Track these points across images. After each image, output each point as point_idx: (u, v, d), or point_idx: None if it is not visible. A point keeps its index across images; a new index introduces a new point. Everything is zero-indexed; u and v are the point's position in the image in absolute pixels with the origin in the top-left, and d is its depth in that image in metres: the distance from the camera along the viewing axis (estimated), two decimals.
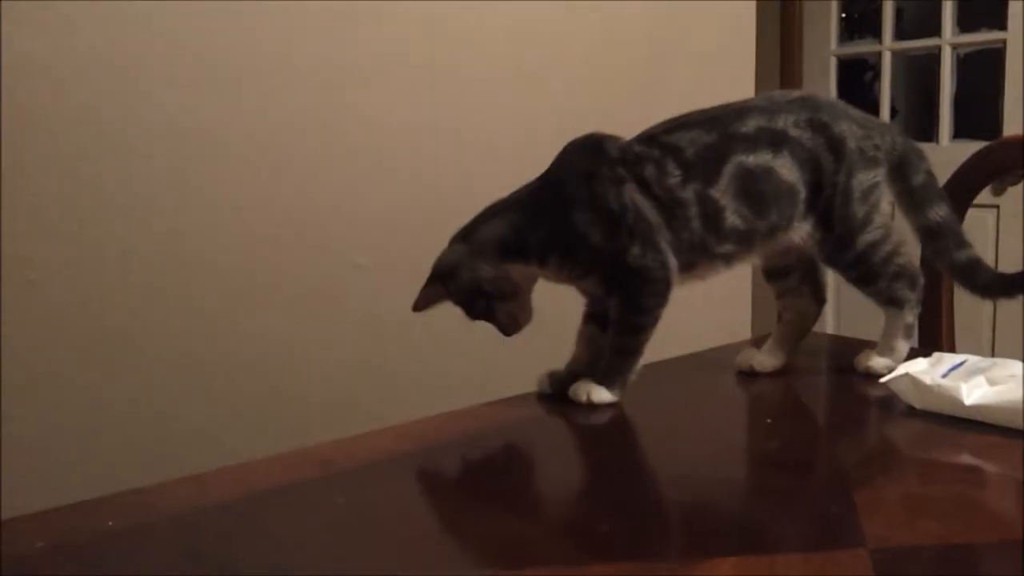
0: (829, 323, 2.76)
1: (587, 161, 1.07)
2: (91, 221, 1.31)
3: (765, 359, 1.17)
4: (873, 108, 3.20)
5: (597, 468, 0.95)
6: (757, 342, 1.21)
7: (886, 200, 1.13)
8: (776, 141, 1.07)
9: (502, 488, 0.88)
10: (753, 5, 2.07)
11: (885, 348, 1.14)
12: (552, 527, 0.79)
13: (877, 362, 1.13)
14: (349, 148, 1.49)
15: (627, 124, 1.11)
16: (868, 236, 1.10)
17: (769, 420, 1.11)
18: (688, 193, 1.05)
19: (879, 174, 1.11)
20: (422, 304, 1.09)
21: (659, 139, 1.08)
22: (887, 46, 3.27)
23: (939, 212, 1.14)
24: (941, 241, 1.15)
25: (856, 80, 3.66)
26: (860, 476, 0.87)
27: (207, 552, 0.73)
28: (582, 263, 1.06)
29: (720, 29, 1.98)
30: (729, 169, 1.06)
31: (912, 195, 1.14)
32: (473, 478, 0.93)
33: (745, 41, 2.02)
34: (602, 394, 1.05)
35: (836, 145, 1.09)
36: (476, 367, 1.39)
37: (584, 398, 1.04)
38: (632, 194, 1.05)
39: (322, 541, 0.74)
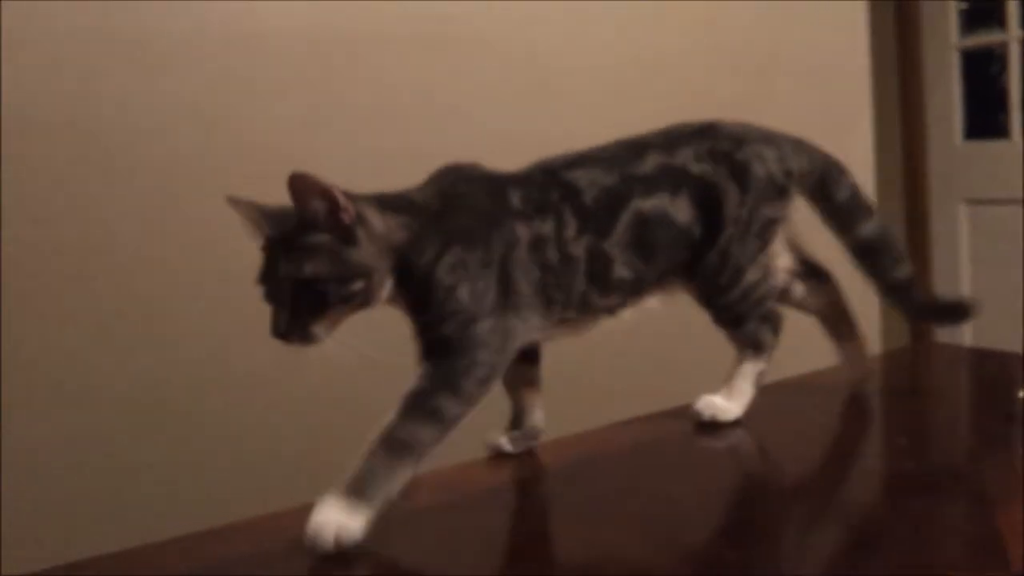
0: (967, 334, 2.63)
1: (491, 202, 0.94)
2: (91, 221, 1.31)
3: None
4: (1001, 103, 3.06)
5: (725, 492, 0.94)
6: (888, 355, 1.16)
7: (780, 237, 1.06)
8: (675, 182, 1.00)
9: (629, 510, 0.88)
10: (864, 4, 2.01)
11: (733, 391, 1.07)
12: (679, 552, 0.79)
13: (721, 406, 1.07)
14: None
15: None
16: (751, 276, 1.04)
17: (903, 439, 1.07)
18: (579, 249, 0.96)
19: (784, 209, 1.05)
20: (303, 188, 0.84)
21: (559, 175, 0.98)
22: (1013, 35, 3.12)
23: (869, 227, 1.08)
24: (877, 258, 1.09)
25: (982, 74, 3.50)
26: (1002, 497, 0.84)
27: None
28: (432, 314, 0.90)
29: (830, 29, 1.91)
30: (625, 218, 0.98)
31: (839, 213, 1.08)
32: (599, 501, 0.92)
33: (857, 41, 1.95)
34: (352, 529, 0.80)
35: (740, 173, 1.02)
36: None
37: (332, 542, 0.79)
38: (517, 260, 0.93)
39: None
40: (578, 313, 0.98)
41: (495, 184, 0.96)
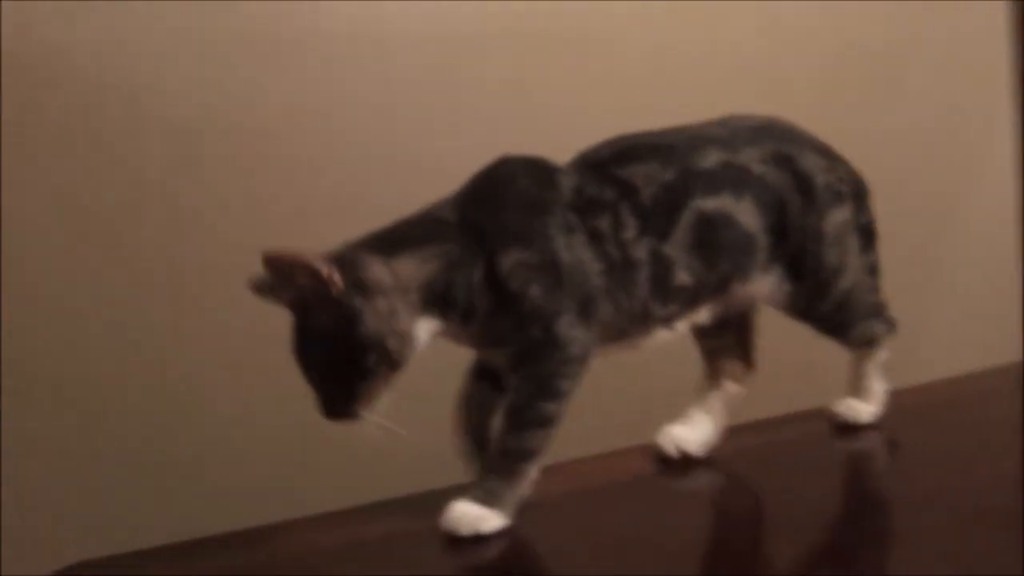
0: None
1: (537, 193, 0.90)
2: (91, 221, 1.27)
3: (691, 435, 0.98)
4: None
5: (863, 497, 0.92)
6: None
7: (855, 237, 0.99)
8: (739, 181, 0.93)
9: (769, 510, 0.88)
10: (1004, 4, 1.81)
11: (864, 392, 1.02)
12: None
13: (857, 408, 1.01)
14: None
15: (865, 132, 1.02)
16: (844, 283, 0.97)
17: None
18: (642, 251, 0.89)
19: (846, 210, 0.97)
20: (280, 269, 0.79)
21: (612, 173, 0.92)
22: None
23: (870, 258, 1.01)
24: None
25: None
26: None
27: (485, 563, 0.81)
28: (510, 324, 0.86)
29: (968, 29, 1.74)
30: (686, 218, 0.91)
31: (857, 237, 1.01)
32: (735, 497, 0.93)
33: (995, 42, 1.78)
34: (490, 520, 0.83)
35: (804, 183, 0.95)
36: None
37: (466, 530, 0.83)
38: (581, 249, 0.88)
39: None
40: (638, 324, 0.91)
41: (542, 172, 0.91)
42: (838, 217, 0.96)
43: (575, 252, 0.87)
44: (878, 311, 1.01)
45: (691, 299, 0.92)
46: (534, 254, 0.86)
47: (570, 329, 0.86)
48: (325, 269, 0.78)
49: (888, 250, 1.01)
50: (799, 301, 0.96)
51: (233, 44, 1.32)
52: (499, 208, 0.88)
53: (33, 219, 1.26)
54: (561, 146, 0.96)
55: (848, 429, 0.99)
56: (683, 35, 1.54)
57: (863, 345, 1.00)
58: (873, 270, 1.01)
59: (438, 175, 0.87)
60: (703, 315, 0.94)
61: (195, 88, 1.30)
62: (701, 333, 0.98)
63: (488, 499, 0.83)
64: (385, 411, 0.82)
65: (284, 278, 0.79)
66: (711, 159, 0.92)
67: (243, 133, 1.33)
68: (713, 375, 0.99)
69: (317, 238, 0.85)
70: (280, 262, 0.78)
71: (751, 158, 0.93)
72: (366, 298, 0.81)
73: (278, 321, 1.17)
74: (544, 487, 0.86)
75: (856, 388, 1.01)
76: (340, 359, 0.81)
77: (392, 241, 0.84)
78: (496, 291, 0.85)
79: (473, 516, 0.82)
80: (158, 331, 1.30)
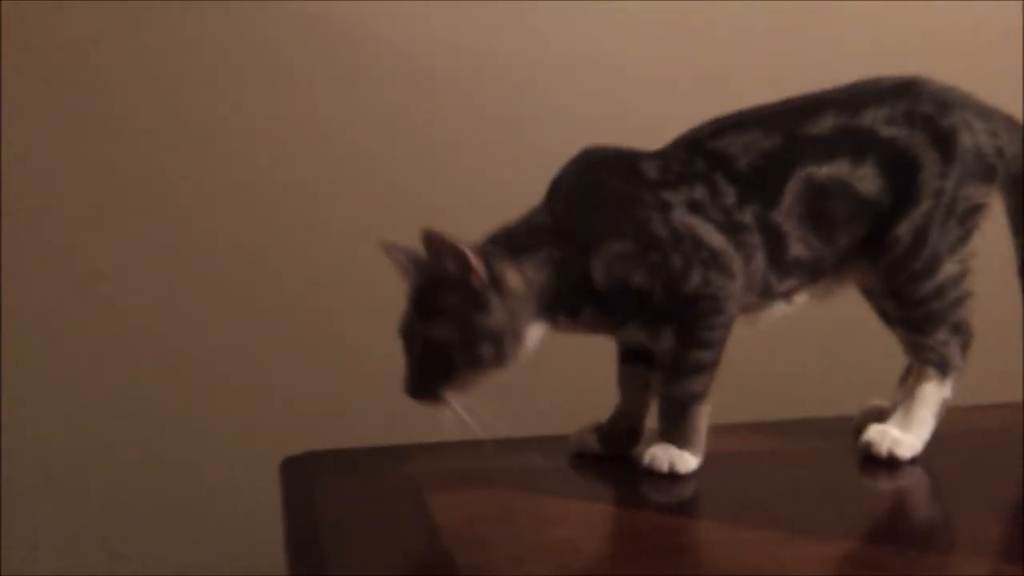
0: None
1: (621, 182, 0.88)
2: (91, 222, 1.30)
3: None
4: None
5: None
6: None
7: (981, 230, 0.90)
8: (859, 146, 0.86)
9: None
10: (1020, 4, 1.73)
11: (913, 420, 0.90)
12: None
13: (899, 439, 0.90)
14: None
15: None
16: (950, 267, 0.88)
17: None
18: (747, 217, 0.86)
19: (988, 193, 0.88)
20: (435, 248, 0.82)
21: (704, 145, 0.88)
22: None
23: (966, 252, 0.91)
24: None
25: None
26: None
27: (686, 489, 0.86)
28: (621, 310, 0.87)
29: (984, 31, 1.65)
30: (793, 186, 0.86)
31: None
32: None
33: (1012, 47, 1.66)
34: (687, 460, 0.87)
35: (946, 141, 0.86)
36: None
37: (665, 467, 0.87)
38: (683, 217, 0.86)
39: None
40: (759, 297, 0.89)
41: (623, 162, 0.89)
42: (976, 193, 0.87)
43: (676, 223, 0.85)
44: (964, 333, 0.91)
45: (811, 273, 0.88)
46: (629, 244, 0.85)
47: (699, 288, 0.85)
48: (475, 261, 0.82)
49: None
50: (902, 275, 0.87)
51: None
52: (587, 208, 0.87)
53: (33, 219, 1.27)
54: None
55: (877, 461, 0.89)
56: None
57: (934, 364, 0.90)
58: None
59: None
60: (825, 289, 0.91)
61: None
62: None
63: (679, 441, 0.87)
64: (468, 407, 0.83)
65: (435, 256, 0.82)
66: (825, 123, 0.86)
67: (252, 136, 1.32)
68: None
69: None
70: (437, 242, 0.82)
71: (876, 119, 0.86)
72: (501, 296, 0.84)
73: (285, 320, 1.26)
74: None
75: (906, 414, 0.91)
76: (454, 342, 0.83)
77: (512, 247, 0.86)
78: (599, 288, 0.86)
79: (670, 456, 0.86)
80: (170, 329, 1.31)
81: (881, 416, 0.94)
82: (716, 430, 0.90)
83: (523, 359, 0.86)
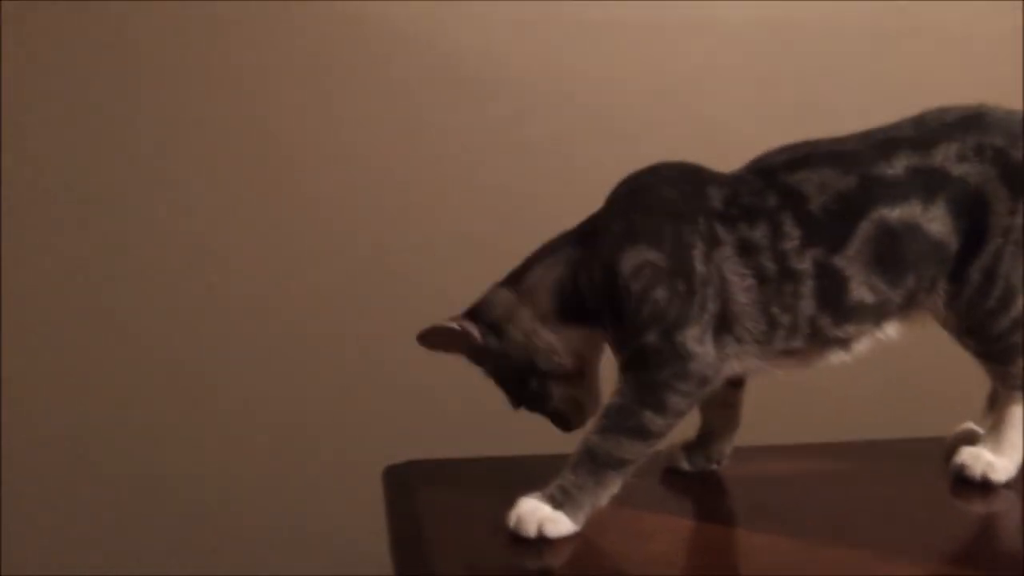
0: None
1: (680, 198, 0.86)
2: (90, 222, 1.31)
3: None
4: None
5: None
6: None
7: None
8: (931, 186, 0.84)
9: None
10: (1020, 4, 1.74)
11: (1004, 444, 0.89)
12: None
13: (993, 463, 0.89)
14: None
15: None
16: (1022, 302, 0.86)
17: None
18: (804, 263, 0.83)
19: None
20: (435, 341, 0.88)
21: (779, 178, 0.85)
22: None
23: None
24: None
25: None
26: None
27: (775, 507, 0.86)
28: (628, 327, 0.83)
29: (984, 31, 1.65)
30: (864, 229, 0.83)
31: None
32: None
33: (1012, 47, 1.66)
34: (559, 524, 0.79)
35: (1015, 176, 0.84)
36: None
37: (533, 531, 0.79)
38: (723, 262, 0.83)
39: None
40: (806, 342, 0.85)
41: (692, 181, 0.87)
42: None
43: (716, 265, 0.82)
44: None
45: (873, 318, 0.85)
46: (665, 257, 0.82)
47: (696, 344, 0.81)
48: (459, 328, 0.87)
49: None
50: (977, 313, 0.85)
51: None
52: (633, 210, 0.86)
53: (33, 219, 1.29)
54: None
55: (972, 484, 0.89)
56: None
57: (1021, 387, 0.88)
58: None
59: None
60: (890, 333, 0.87)
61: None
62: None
63: (563, 500, 0.79)
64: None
65: (444, 343, 0.88)
66: (899, 164, 0.84)
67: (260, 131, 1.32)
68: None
69: None
70: (431, 335, 0.87)
71: (948, 156, 0.84)
72: (500, 335, 0.87)
73: (283, 319, 1.27)
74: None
75: (997, 437, 0.90)
76: (524, 391, 0.89)
77: (524, 264, 0.90)
78: (619, 291, 0.83)
79: (541, 516, 0.78)
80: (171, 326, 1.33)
81: (973, 439, 0.93)
82: (806, 448, 0.90)
83: (574, 361, 0.88)
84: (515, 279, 0.89)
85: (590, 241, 0.86)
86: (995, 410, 0.91)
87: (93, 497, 1.35)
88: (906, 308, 0.86)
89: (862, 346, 0.87)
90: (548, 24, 1.38)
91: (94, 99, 1.30)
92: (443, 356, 0.89)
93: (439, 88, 1.36)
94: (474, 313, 0.88)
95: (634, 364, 0.82)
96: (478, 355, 0.89)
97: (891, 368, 1.21)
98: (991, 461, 0.89)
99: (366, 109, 1.35)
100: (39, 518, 1.34)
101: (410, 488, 0.93)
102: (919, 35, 1.49)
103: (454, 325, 0.87)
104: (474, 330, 0.87)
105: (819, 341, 0.85)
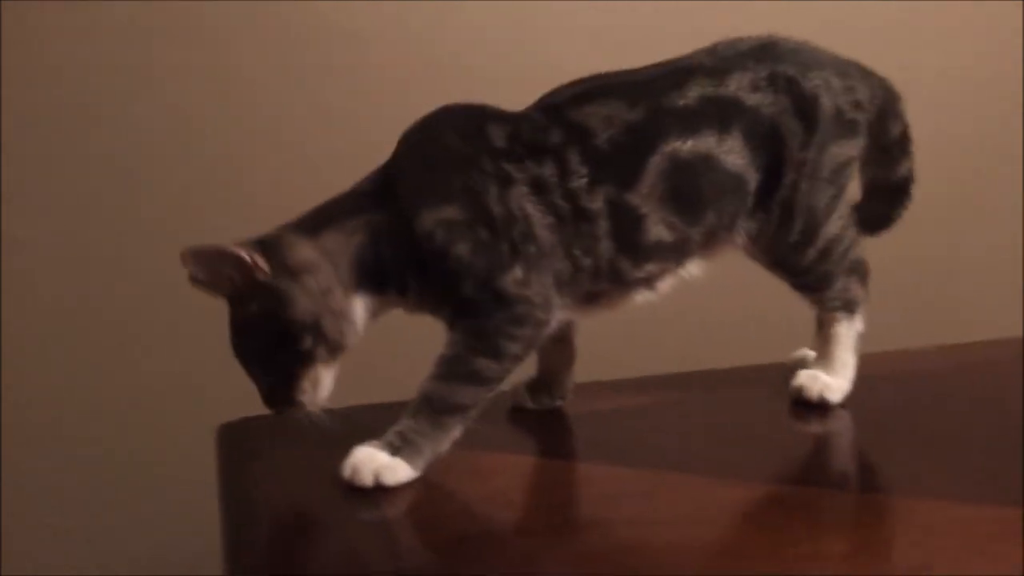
0: None
1: (462, 143, 0.81)
2: (91, 222, 1.30)
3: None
4: None
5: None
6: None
7: (853, 179, 0.89)
8: (725, 116, 0.81)
9: None
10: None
11: (835, 363, 0.91)
12: None
13: (829, 383, 0.91)
14: None
15: None
16: (830, 228, 0.86)
17: None
18: (597, 202, 0.80)
19: (855, 146, 0.87)
20: (206, 265, 0.76)
21: (563, 113, 0.81)
22: None
23: (906, 167, 0.92)
24: (894, 201, 0.93)
25: None
26: None
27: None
28: (442, 286, 0.79)
29: (984, 31, 1.66)
30: (656, 163, 0.80)
31: (887, 150, 0.91)
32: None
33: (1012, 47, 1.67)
34: (396, 471, 0.76)
35: (807, 108, 0.83)
36: None
37: (369, 479, 0.75)
38: (521, 200, 0.79)
39: None
40: (609, 284, 0.83)
41: (470, 123, 0.82)
42: (842, 151, 0.85)
43: (513, 203, 0.79)
44: (860, 270, 0.91)
45: (673, 256, 0.84)
46: (458, 210, 0.78)
47: (518, 287, 0.78)
48: (247, 255, 0.75)
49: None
50: (782, 247, 0.86)
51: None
52: (418, 167, 0.81)
53: (33, 219, 1.27)
54: None
55: (809, 405, 0.90)
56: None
57: (840, 308, 0.90)
58: (906, 181, 0.92)
59: None
60: (692, 270, 0.86)
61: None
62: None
63: (401, 447, 0.76)
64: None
65: (213, 272, 0.76)
66: (691, 94, 0.81)
67: (247, 133, 1.31)
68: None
69: None
70: (203, 256, 0.75)
71: (741, 85, 0.82)
72: (294, 280, 0.77)
73: None
74: None
75: (827, 358, 0.91)
76: (276, 346, 0.76)
77: (317, 220, 0.80)
78: (422, 255, 0.78)
79: (378, 464, 0.75)
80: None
81: (809, 363, 0.95)
82: (647, 380, 0.91)
83: (358, 336, 0.80)
84: (310, 231, 0.79)
85: (385, 203, 0.80)
86: (821, 332, 0.92)
87: (93, 497, 1.32)
88: (707, 245, 0.85)
89: (665, 284, 0.86)
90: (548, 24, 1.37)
91: (94, 99, 1.26)
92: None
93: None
94: (263, 247, 0.77)
95: (461, 315, 0.79)
96: (247, 297, 0.77)
97: (728, 297, 1.24)
98: (827, 382, 0.91)
99: (368, 108, 1.33)
100: (39, 518, 1.31)
101: (245, 447, 0.89)
102: (919, 35, 1.52)
103: (241, 252, 0.75)
104: (263, 264, 0.76)
105: (622, 283, 0.83)
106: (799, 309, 0.93)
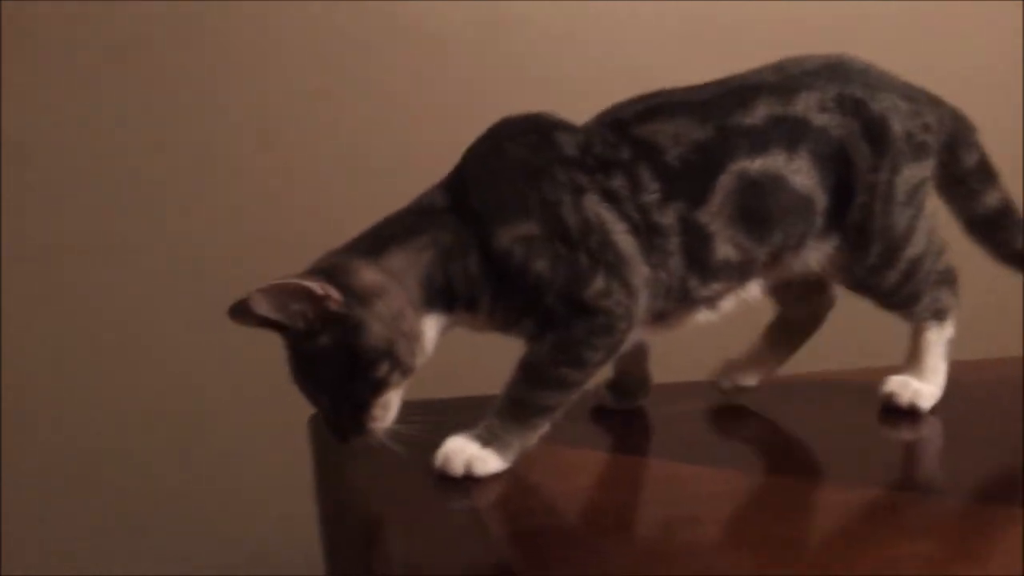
0: None
1: (531, 154, 0.79)
2: (90, 221, 1.31)
3: (750, 369, 0.94)
4: None
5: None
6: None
7: (930, 199, 0.87)
8: (793, 135, 0.80)
9: None
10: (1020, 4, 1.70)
11: (926, 370, 0.90)
12: None
13: (920, 389, 0.89)
14: None
15: None
16: (912, 250, 0.85)
17: None
18: (668, 218, 0.79)
19: (928, 167, 0.85)
20: (274, 301, 0.74)
21: (630, 130, 0.80)
22: None
23: (995, 196, 0.89)
24: (1000, 232, 0.91)
25: None
26: None
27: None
28: (520, 302, 0.78)
29: (984, 31, 1.64)
30: (726, 182, 0.79)
31: (964, 181, 0.89)
32: None
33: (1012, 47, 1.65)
34: (487, 462, 0.77)
35: (876, 130, 0.82)
36: None
37: (460, 469, 0.77)
38: (596, 207, 0.78)
39: None
40: (675, 303, 0.82)
41: (537, 133, 0.81)
42: (915, 173, 0.84)
43: (588, 211, 0.77)
44: (948, 279, 0.90)
45: (738, 276, 0.83)
46: (535, 225, 0.77)
47: (599, 299, 0.77)
48: (319, 287, 0.73)
49: None
50: (860, 271, 0.85)
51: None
52: (489, 182, 0.79)
53: (33, 219, 1.28)
54: None
55: (900, 411, 0.89)
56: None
57: (930, 318, 0.89)
58: (1000, 214, 0.90)
59: None
60: (753, 291, 0.86)
61: None
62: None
63: (491, 440, 0.77)
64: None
65: (279, 308, 0.74)
66: (759, 113, 0.81)
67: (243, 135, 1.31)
68: (788, 314, 0.94)
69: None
70: (272, 294, 0.73)
71: (809, 106, 0.81)
72: (365, 306, 0.75)
73: None
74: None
75: (918, 364, 0.90)
76: (350, 375, 0.75)
77: (377, 240, 0.78)
78: (498, 272, 0.78)
79: (469, 454, 0.77)
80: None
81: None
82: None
83: (427, 356, 0.79)
84: (373, 252, 0.78)
85: (454, 222, 0.79)
86: (912, 339, 0.92)
87: (93, 497, 1.33)
88: (771, 266, 0.84)
89: (727, 304, 0.85)
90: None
91: (94, 98, 1.28)
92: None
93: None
94: (328, 276, 0.76)
95: (543, 326, 0.78)
96: (316, 330, 0.75)
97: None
98: (918, 388, 0.90)
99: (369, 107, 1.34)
100: (39, 518, 1.33)
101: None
102: (919, 35, 1.51)
103: (313, 285, 0.73)
104: (336, 294, 0.74)
105: (688, 302, 0.82)
106: (886, 317, 0.91)
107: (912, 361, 0.91)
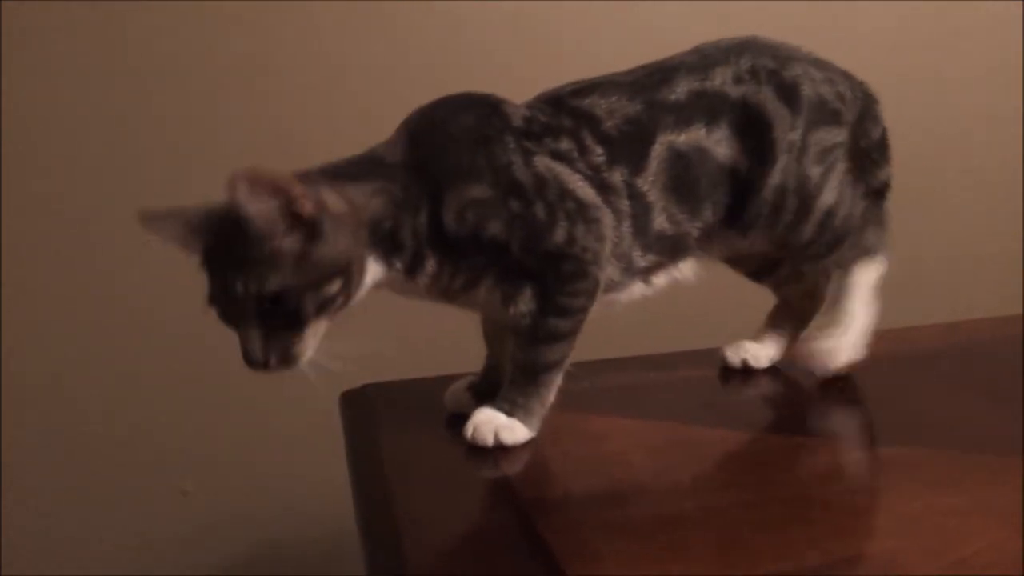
0: None
1: (480, 122, 0.80)
2: (90, 221, 1.30)
3: (760, 351, 0.96)
4: None
5: None
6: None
7: (845, 161, 0.87)
8: (712, 108, 0.83)
9: None
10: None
11: (841, 314, 0.88)
12: None
13: (834, 345, 0.88)
14: None
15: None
16: (825, 199, 0.85)
17: None
18: (616, 178, 0.81)
19: (841, 134, 0.86)
20: (255, 192, 0.70)
21: (567, 103, 0.83)
22: None
23: (887, 171, 0.91)
24: (879, 202, 0.91)
25: None
26: None
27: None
28: (469, 268, 0.79)
29: (984, 31, 1.63)
30: (657, 152, 0.82)
31: (868, 153, 0.89)
32: None
33: (1012, 47, 1.64)
34: (515, 431, 0.79)
35: (790, 93, 0.84)
36: None
37: (491, 440, 0.79)
38: (548, 164, 0.79)
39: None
40: (622, 273, 0.83)
41: (486, 104, 0.82)
42: (827, 137, 0.86)
43: (539, 167, 0.79)
44: (875, 220, 0.89)
45: (670, 251, 0.84)
46: (486, 187, 0.78)
47: (566, 246, 0.78)
48: (299, 187, 0.71)
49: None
50: (778, 228, 0.85)
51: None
52: (442, 145, 0.79)
53: (33, 219, 1.28)
54: None
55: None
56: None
57: (855, 258, 0.88)
58: (885, 187, 0.91)
59: None
60: (686, 270, 0.87)
61: None
62: (756, 276, 0.94)
63: (513, 410, 0.79)
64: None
65: (247, 200, 0.70)
66: (680, 89, 0.84)
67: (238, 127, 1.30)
68: (787, 297, 0.96)
69: None
70: (252, 181, 0.70)
71: (725, 79, 0.84)
72: (331, 220, 0.73)
73: None
74: None
75: (834, 310, 0.88)
76: (297, 290, 0.72)
77: (335, 174, 0.77)
78: (448, 234, 0.77)
79: (497, 424, 0.79)
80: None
81: None
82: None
83: (359, 299, 0.77)
84: (331, 182, 0.76)
85: (404, 178, 0.78)
86: (833, 282, 0.89)
87: (93, 497, 1.34)
88: (702, 243, 0.85)
89: (660, 280, 0.86)
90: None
91: (94, 98, 1.28)
92: None
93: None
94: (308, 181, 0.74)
95: (505, 279, 0.79)
96: (276, 231, 0.71)
97: None
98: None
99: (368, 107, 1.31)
100: (39, 518, 1.33)
101: (367, 412, 0.93)
102: (919, 35, 1.51)
103: (291, 183, 0.71)
104: (310, 197, 0.72)
105: (630, 272, 0.84)
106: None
107: (830, 305, 0.89)
